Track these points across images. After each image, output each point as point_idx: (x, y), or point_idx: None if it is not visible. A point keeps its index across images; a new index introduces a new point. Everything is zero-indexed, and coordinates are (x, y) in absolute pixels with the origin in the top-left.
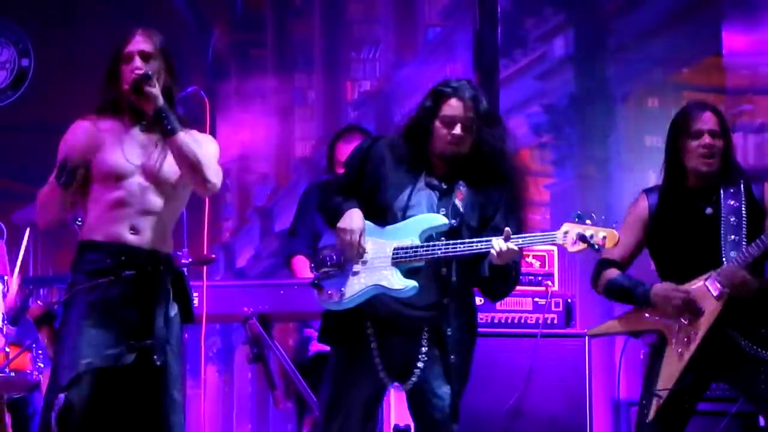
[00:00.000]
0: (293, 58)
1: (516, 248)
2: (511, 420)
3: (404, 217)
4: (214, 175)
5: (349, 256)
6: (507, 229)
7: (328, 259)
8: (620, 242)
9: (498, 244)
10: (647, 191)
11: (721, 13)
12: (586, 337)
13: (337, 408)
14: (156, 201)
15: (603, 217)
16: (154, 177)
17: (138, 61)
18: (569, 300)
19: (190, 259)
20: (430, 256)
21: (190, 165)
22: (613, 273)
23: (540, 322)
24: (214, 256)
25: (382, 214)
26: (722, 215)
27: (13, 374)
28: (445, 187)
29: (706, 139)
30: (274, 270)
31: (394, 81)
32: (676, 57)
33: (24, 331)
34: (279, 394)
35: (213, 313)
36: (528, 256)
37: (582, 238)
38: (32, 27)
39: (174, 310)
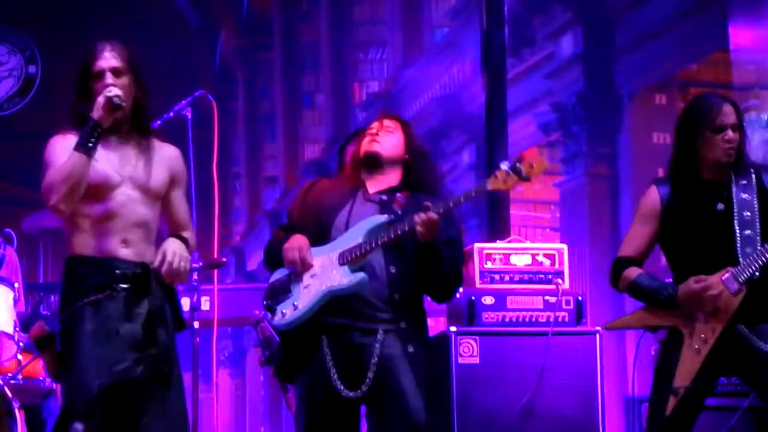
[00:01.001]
0: (300, 61)
1: (435, 216)
2: (523, 419)
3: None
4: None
5: (299, 272)
6: (426, 202)
7: (278, 284)
8: (635, 236)
9: (418, 216)
10: (657, 182)
11: (727, 9)
12: (598, 335)
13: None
14: (144, 211)
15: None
16: (141, 187)
17: (109, 78)
18: (580, 298)
19: (201, 263)
20: (372, 246)
21: (70, 183)
22: (634, 272)
23: (551, 320)
24: (224, 259)
25: (326, 235)
26: (735, 210)
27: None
28: (384, 198)
29: (730, 133)
30: None
31: (402, 82)
32: (683, 53)
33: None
34: (291, 397)
35: (224, 317)
36: (538, 254)
37: (513, 169)
38: (38, 35)
39: (169, 318)
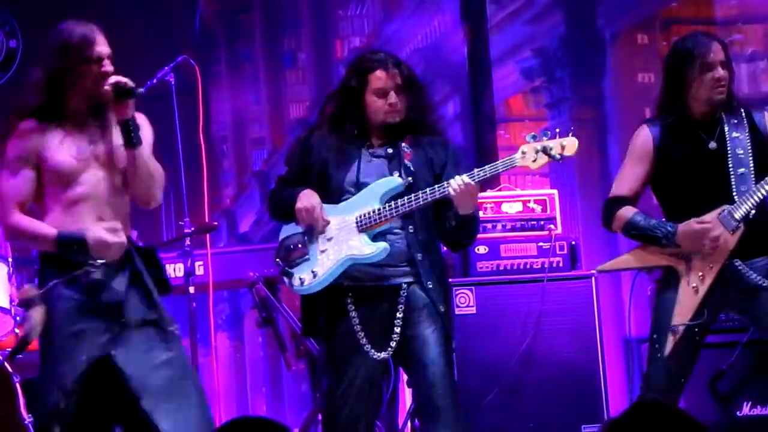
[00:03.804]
0: (281, 21)
1: (473, 182)
2: (523, 366)
3: (359, 191)
4: (161, 192)
5: (315, 233)
6: (458, 176)
7: (292, 246)
8: (628, 175)
9: (455, 182)
10: (648, 122)
11: None
12: (593, 278)
13: (341, 396)
14: (116, 188)
15: (558, 130)
16: (108, 166)
17: (108, 65)
18: (573, 242)
19: (192, 228)
20: (393, 215)
21: (144, 181)
22: (629, 212)
23: (546, 266)
24: (216, 223)
25: (336, 195)
26: (729, 148)
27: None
28: (390, 152)
29: (720, 71)
30: (276, 233)
31: (384, 36)
32: None
33: None
34: (290, 356)
35: (219, 280)
36: (529, 201)
37: (544, 150)
38: (17, 8)
39: (150, 285)
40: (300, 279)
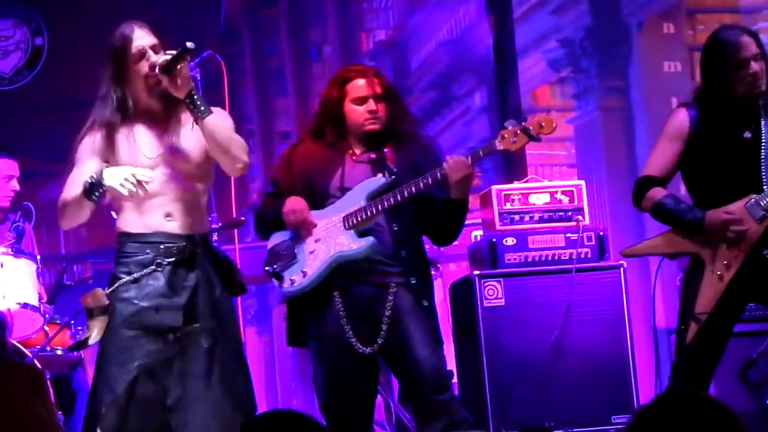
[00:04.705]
0: (306, 14)
1: (467, 161)
2: (552, 357)
3: (344, 195)
4: (245, 153)
5: (302, 236)
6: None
7: (281, 251)
8: (661, 155)
9: (449, 160)
10: (686, 105)
11: None
12: (622, 269)
13: (333, 393)
14: (186, 185)
15: (551, 111)
16: (176, 164)
17: (152, 55)
18: (601, 233)
19: (219, 224)
20: (380, 209)
21: (223, 147)
22: (659, 193)
23: (573, 257)
24: (243, 218)
25: (322, 201)
26: (763, 140)
27: (59, 352)
28: (374, 156)
29: (753, 65)
30: None
31: (409, 28)
32: None
33: (61, 309)
34: None
35: (247, 275)
36: (557, 192)
37: (523, 130)
38: (43, 5)
39: (218, 291)
40: (291, 280)
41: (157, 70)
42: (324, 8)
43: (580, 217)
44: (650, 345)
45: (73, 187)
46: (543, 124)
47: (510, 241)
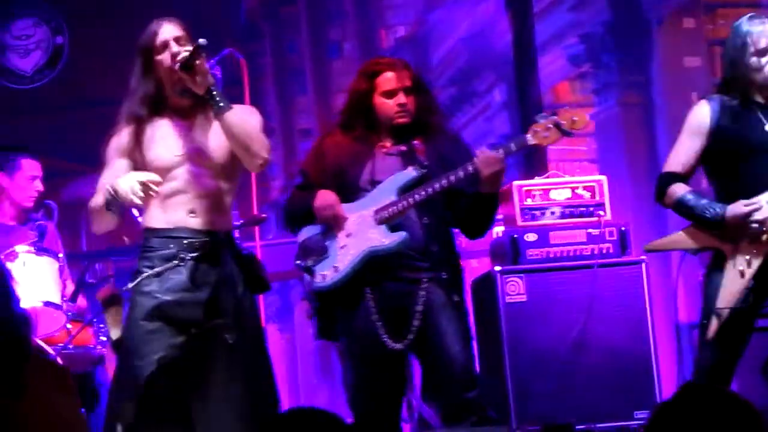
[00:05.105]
0: (326, 11)
1: (498, 155)
2: (575, 353)
3: (374, 188)
4: (265, 150)
5: (334, 231)
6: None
7: (312, 245)
8: (683, 150)
9: (480, 154)
10: (708, 99)
11: None
12: (644, 264)
13: (362, 388)
14: (210, 183)
15: (567, 107)
16: (203, 161)
17: (175, 46)
18: (623, 228)
19: (241, 221)
20: (411, 204)
21: (242, 142)
22: (681, 189)
23: (595, 252)
24: (264, 215)
25: (352, 194)
26: None
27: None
28: (404, 149)
29: None
30: None
31: (428, 24)
32: None
33: (84, 307)
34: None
35: (269, 272)
36: (578, 187)
37: (555, 125)
38: (64, 4)
39: (241, 288)
40: (322, 275)
41: (176, 66)
42: (343, 6)
43: (601, 213)
44: (672, 340)
45: (99, 194)
46: (575, 119)
47: (531, 236)
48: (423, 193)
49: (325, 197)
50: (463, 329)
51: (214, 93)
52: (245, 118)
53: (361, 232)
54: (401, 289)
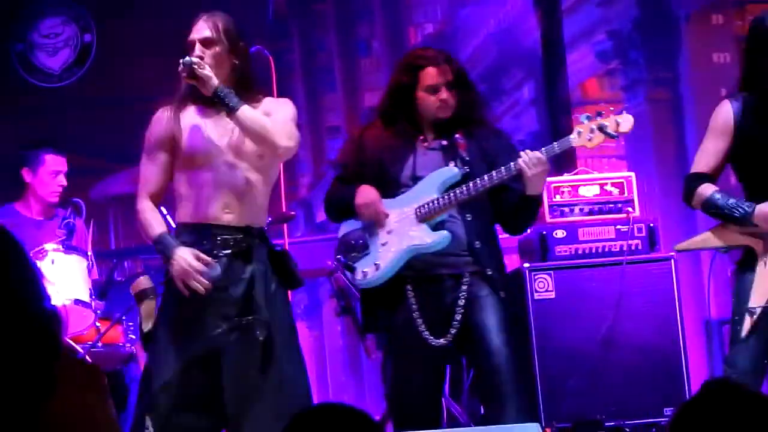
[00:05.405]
0: (354, 9)
1: (543, 156)
2: (604, 350)
3: (415, 184)
4: (285, 139)
5: (375, 227)
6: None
7: (353, 241)
8: (708, 151)
9: (525, 156)
10: (730, 98)
11: None
12: (673, 260)
13: (404, 384)
14: (246, 177)
15: (611, 108)
16: (240, 154)
17: (198, 49)
18: (652, 224)
19: (269, 219)
20: (453, 202)
21: (258, 136)
22: (708, 189)
23: (624, 249)
24: (293, 213)
25: (393, 189)
26: None
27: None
28: (445, 144)
29: None
30: None
31: (457, 21)
32: None
33: (113, 304)
34: (370, 345)
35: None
36: (606, 184)
37: (600, 128)
38: (92, 1)
39: (274, 285)
40: (363, 272)
41: (182, 75)
42: (371, 3)
43: (630, 209)
44: (701, 336)
45: (143, 199)
46: (620, 121)
47: (560, 233)
48: (465, 192)
49: (366, 194)
50: (505, 323)
51: (221, 95)
52: (260, 113)
53: (403, 229)
54: (443, 285)
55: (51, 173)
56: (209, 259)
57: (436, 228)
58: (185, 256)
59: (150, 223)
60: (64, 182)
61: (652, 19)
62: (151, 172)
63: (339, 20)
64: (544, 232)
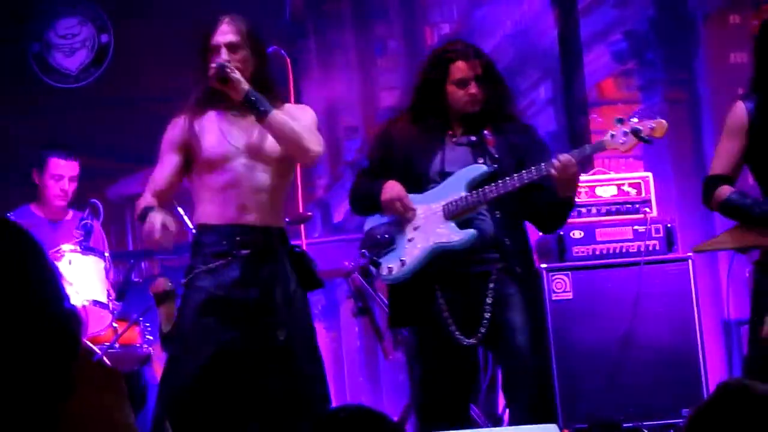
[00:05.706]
0: (370, 9)
1: (573, 159)
2: (622, 350)
3: (443, 179)
4: (315, 144)
5: (401, 223)
6: (562, 155)
7: (379, 236)
8: (724, 152)
9: (557, 161)
10: (743, 98)
11: None
12: (690, 261)
13: (432, 384)
14: (263, 178)
15: (637, 109)
16: (257, 155)
17: (224, 54)
18: (669, 225)
19: (287, 219)
20: (482, 200)
21: (290, 140)
22: (726, 191)
23: (642, 249)
24: (310, 213)
25: (421, 185)
26: None
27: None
28: (474, 139)
29: None
30: None
31: (473, 21)
32: None
33: (130, 305)
34: (387, 346)
35: None
36: (624, 184)
37: (633, 132)
38: (109, 2)
39: (293, 285)
40: (388, 268)
41: (212, 80)
42: (388, 3)
43: (647, 209)
44: (719, 336)
45: (145, 194)
46: (654, 126)
47: (577, 234)
48: (495, 190)
49: (392, 190)
50: (533, 322)
51: (253, 100)
52: (288, 117)
53: (430, 226)
54: (471, 283)
55: (53, 177)
56: (173, 229)
57: (462, 225)
58: (157, 217)
59: (139, 202)
60: (67, 186)
61: (668, 19)
62: (159, 172)
63: (355, 19)
64: (562, 233)
